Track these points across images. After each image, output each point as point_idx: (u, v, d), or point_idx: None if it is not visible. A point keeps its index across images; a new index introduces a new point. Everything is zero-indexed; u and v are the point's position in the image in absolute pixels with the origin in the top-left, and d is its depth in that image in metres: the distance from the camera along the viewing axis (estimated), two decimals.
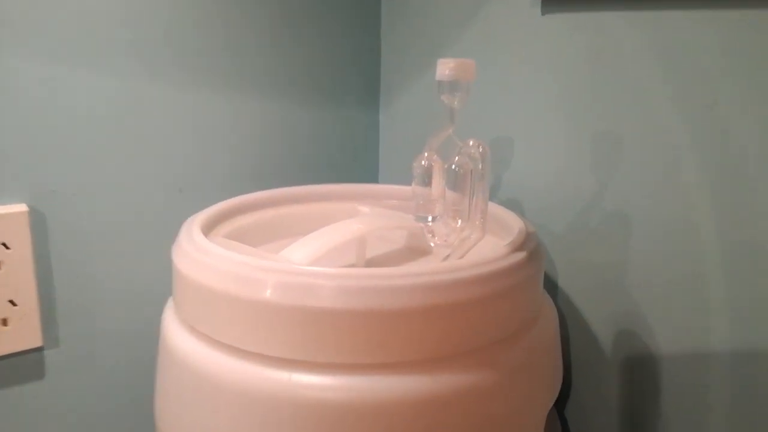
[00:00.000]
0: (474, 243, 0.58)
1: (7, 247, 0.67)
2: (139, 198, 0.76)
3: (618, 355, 0.67)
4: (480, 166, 0.55)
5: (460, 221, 0.58)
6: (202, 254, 0.52)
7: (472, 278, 0.49)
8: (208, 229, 0.66)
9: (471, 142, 0.56)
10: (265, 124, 0.84)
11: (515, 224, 0.64)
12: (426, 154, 0.58)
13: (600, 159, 0.63)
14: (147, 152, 0.75)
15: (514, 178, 0.75)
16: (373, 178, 0.97)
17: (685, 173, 0.56)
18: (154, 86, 0.74)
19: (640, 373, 0.65)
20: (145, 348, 0.79)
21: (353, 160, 0.95)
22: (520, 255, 0.54)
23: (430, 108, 0.88)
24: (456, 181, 0.56)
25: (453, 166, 0.56)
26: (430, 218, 0.59)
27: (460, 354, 0.49)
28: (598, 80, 0.62)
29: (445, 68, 0.54)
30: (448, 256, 0.60)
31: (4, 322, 0.68)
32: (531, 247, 0.56)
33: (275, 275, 0.47)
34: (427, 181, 0.58)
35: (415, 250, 0.72)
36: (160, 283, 0.69)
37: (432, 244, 0.61)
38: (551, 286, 0.72)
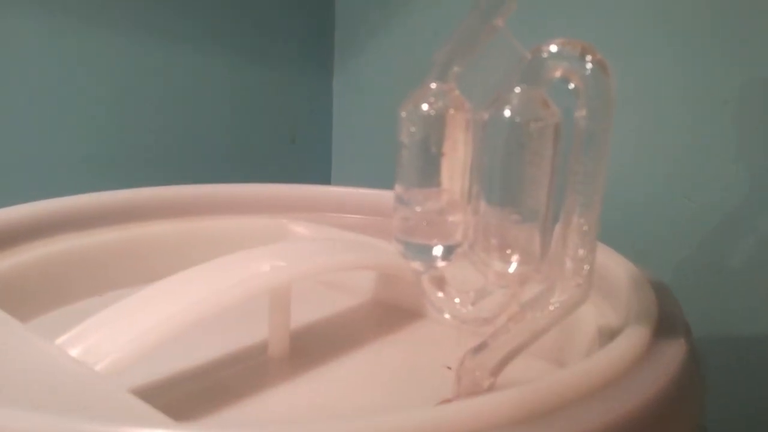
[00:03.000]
0: (558, 318, 0.21)
1: None
2: None
3: None
4: (583, 115, 0.18)
5: (515, 260, 0.21)
6: None
7: None
8: None
9: (555, 48, 0.19)
10: (150, 81, 0.55)
11: (621, 274, 0.28)
12: (433, 85, 0.21)
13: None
14: None
15: None
16: (322, 175, 0.65)
17: None
18: None
19: None
20: None
21: (291, 148, 0.63)
22: (666, 369, 0.21)
23: (412, 69, 0.52)
24: (511, 158, 0.19)
25: (506, 114, 0.19)
26: (438, 250, 0.22)
27: None
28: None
29: None
30: (481, 348, 0.23)
31: None
32: (680, 343, 0.23)
33: None
34: (431, 156, 0.21)
35: (397, 310, 0.36)
36: None
37: (443, 313, 0.23)
38: None
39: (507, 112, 0.21)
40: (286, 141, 0.64)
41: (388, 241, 0.39)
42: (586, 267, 0.21)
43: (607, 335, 0.27)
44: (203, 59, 0.58)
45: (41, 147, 0.51)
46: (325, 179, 0.68)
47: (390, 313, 0.38)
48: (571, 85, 0.21)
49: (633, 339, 0.22)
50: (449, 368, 0.32)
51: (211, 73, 0.59)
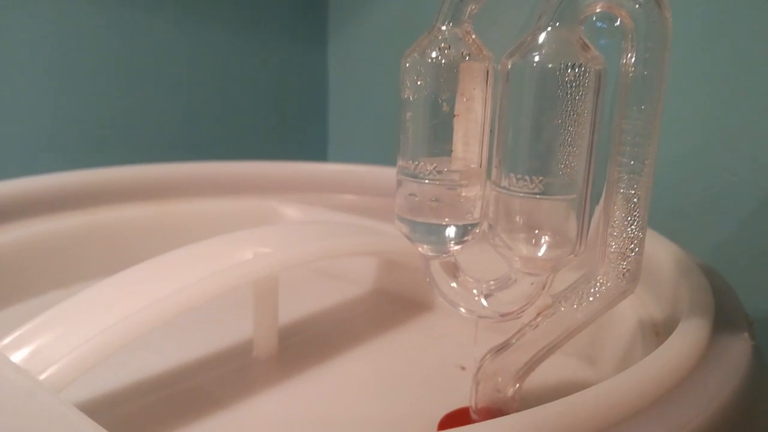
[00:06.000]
0: (599, 311, 0.17)
1: None
2: None
3: None
4: (632, 60, 0.15)
5: (546, 242, 0.17)
6: None
7: None
8: None
9: None
10: (130, 52, 0.51)
11: (664, 257, 0.24)
12: (444, 28, 0.17)
13: None
14: None
15: None
16: (318, 154, 0.63)
17: None
18: None
19: None
20: None
21: (283, 125, 0.59)
22: (733, 370, 0.18)
23: (414, 37, 0.48)
24: (542, 115, 0.15)
25: (535, 59, 0.15)
26: (450, 231, 0.19)
27: None
28: None
29: None
30: (503, 348, 0.19)
31: None
32: (743, 339, 0.20)
33: None
34: (442, 116, 0.17)
35: (401, 301, 0.33)
36: None
37: (457, 307, 0.20)
38: None
39: (536, 57, 0.18)
40: (277, 118, 0.60)
41: (391, 224, 0.36)
42: (635, 248, 0.18)
43: (650, 329, 0.24)
44: (186, 29, 0.55)
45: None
46: (321, 158, 0.65)
47: (393, 304, 0.35)
48: (617, 22, 0.17)
49: (691, 336, 0.19)
50: (463, 368, 0.28)
51: (195, 45, 0.55)
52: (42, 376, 0.20)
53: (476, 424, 0.15)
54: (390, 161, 0.45)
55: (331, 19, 0.63)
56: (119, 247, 0.37)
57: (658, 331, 0.24)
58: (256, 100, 0.60)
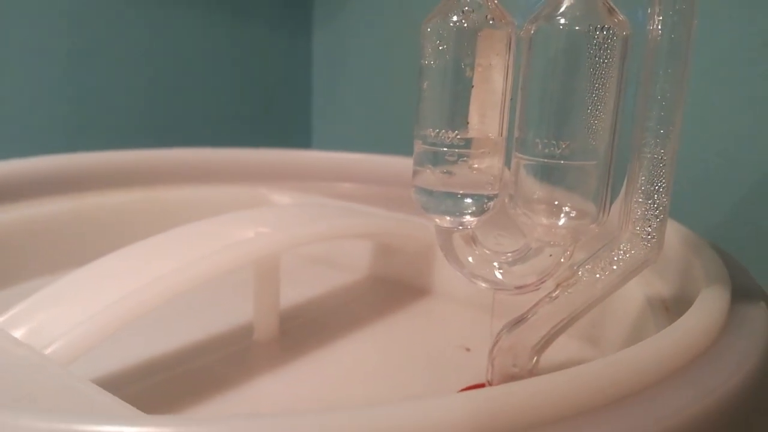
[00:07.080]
0: (620, 281, 0.17)
1: None
2: None
3: None
4: (659, 24, 0.15)
5: (567, 210, 0.17)
6: None
7: None
8: None
9: None
10: (113, 40, 0.51)
11: (670, 239, 0.24)
12: None
13: None
14: None
15: None
16: (301, 143, 0.63)
17: None
18: None
19: None
20: None
21: (266, 115, 0.58)
22: (758, 338, 0.18)
23: (402, 26, 0.49)
24: (566, 79, 0.15)
25: (561, 21, 0.15)
26: (469, 202, 0.19)
27: None
28: None
29: None
30: (519, 322, 0.19)
31: None
32: (761, 308, 0.20)
33: None
34: (464, 83, 0.17)
35: (398, 286, 0.33)
36: None
37: (476, 280, 0.20)
38: None
39: (562, 20, 0.17)
40: (261, 108, 0.60)
41: (387, 210, 0.35)
42: (660, 215, 0.18)
43: (660, 306, 0.24)
44: (170, 18, 0.54)
45: None
46: (305, 149, 0.64)
47: (391, 289, 0.35)
48: None
49: (713, 304, 0.19)
50: (468, 350, 0.28)
51: (178, 32, 0.54)
52: (47, 351, 0.19)
53: (498, 386, 0.15)
54: (374, 152, 0.44)
55: (316, 9, 0.63)
56: (106, 235, 0.36)
57: (668, 307, 0.24)
58: (240, 90, 0.59)
